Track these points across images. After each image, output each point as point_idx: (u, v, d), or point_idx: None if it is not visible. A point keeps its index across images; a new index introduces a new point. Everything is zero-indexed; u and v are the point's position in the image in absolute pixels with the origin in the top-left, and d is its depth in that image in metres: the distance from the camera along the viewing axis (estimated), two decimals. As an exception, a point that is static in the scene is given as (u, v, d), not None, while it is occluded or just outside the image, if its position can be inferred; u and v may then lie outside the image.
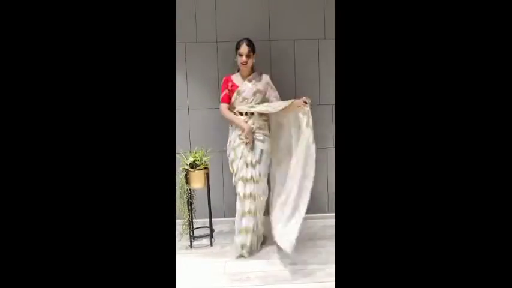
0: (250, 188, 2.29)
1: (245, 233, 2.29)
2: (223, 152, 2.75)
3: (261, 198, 2.33)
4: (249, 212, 2.29)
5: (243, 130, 2.28)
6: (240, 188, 2.30)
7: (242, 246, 2.29)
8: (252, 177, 2.28)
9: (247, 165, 2.29)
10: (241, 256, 2.29)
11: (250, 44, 2.29)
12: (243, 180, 2.29)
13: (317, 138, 2.78)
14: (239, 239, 2.30)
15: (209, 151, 2.57)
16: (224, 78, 2.42)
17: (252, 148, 2.29)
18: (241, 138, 2.30)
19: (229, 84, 2.38)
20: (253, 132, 2.29)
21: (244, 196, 2.29)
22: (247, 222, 2.30)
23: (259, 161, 2.30)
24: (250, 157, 2.28)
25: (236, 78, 2.39)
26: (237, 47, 2.30)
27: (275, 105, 2.29)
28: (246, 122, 2.29)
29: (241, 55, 2.27)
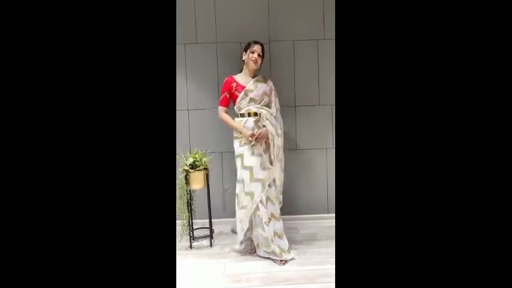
0: (270, 192, 2.25)
1: (279, 237, 2.25)
2: (223, 153, 2.75)
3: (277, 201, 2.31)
4: (277, 215, 2.27)
5: (245, 136, 2.22)
6: (259, 192, 2.21)
7: (286, 250, 2.24)
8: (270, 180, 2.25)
9: (264, 169, 2.23)
10: (284, 261, 2.21)
11: (262, 45, 2.29)
12: (263, 184, 2.22)
13: (316, 138, 2.80)
14: (277, 245, 2.22)
15: (209, 152, 2.57)
16: (226, 79, 2.32)
17: (265, 151, 2.26)
18: (250, 141, 2.21)
19: (234, 84, 2.29)
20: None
21: (267, 200, 2.23)
22: (279, 225, 2.27)
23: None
24: (266, 160, 2.25)
25: (240, 78, 2.31)
26: (248, 46, 2.26)
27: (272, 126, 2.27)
28: (254, 126, 2.24)
29: (253, 52, 2.23)
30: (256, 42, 2.26)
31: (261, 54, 2.26)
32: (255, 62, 2.24)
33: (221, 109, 2.32)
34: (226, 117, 2.30)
